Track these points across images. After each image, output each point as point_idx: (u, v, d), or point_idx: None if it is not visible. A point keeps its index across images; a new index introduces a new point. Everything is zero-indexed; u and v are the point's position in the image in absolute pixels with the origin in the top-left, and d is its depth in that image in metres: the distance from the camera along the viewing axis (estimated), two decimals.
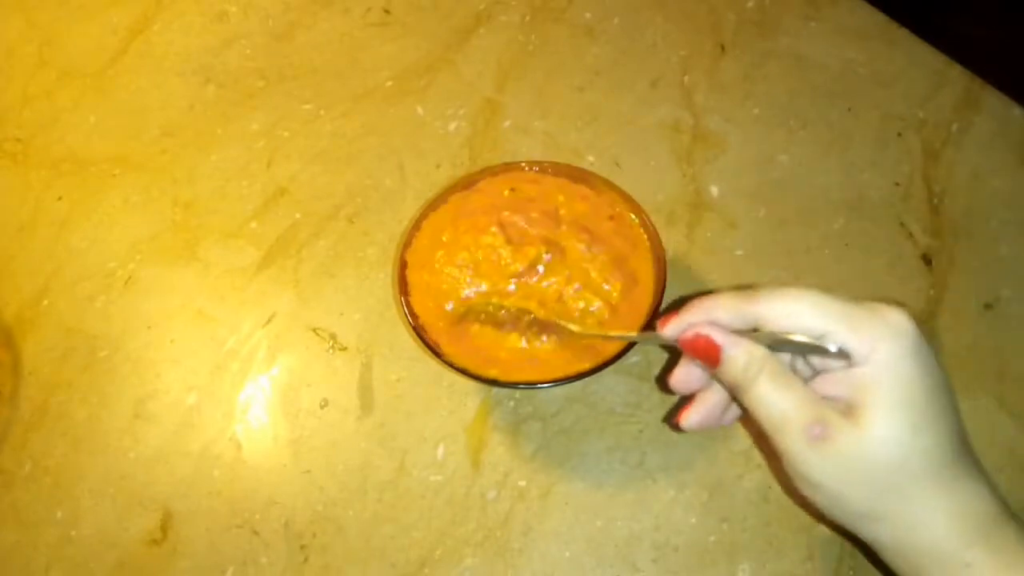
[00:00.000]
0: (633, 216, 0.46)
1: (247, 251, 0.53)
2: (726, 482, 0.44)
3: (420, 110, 0.59)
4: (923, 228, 0.51)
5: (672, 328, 0.33)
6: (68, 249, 0.55)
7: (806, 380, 0.32)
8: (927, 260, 0.50)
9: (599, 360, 0.41)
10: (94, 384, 0.49)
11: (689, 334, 0.32)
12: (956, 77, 0.57)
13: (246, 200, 0.56)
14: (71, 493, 0.46)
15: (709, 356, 0.32)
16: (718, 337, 0.32)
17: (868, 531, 0.31)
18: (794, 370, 0.33)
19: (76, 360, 0.50)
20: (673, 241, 0.51)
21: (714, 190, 0.54)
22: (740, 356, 0.31)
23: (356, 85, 0.60)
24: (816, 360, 0.32)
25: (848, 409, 0.30)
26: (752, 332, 0.32)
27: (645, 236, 0.45)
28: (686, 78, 0.59)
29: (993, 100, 0.56)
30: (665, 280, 0.43)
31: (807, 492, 0.31)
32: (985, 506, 0.30)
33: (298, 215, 0.55)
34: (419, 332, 0.42)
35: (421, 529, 0.44)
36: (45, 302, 0.52)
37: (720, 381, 0.34)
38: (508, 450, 0.45)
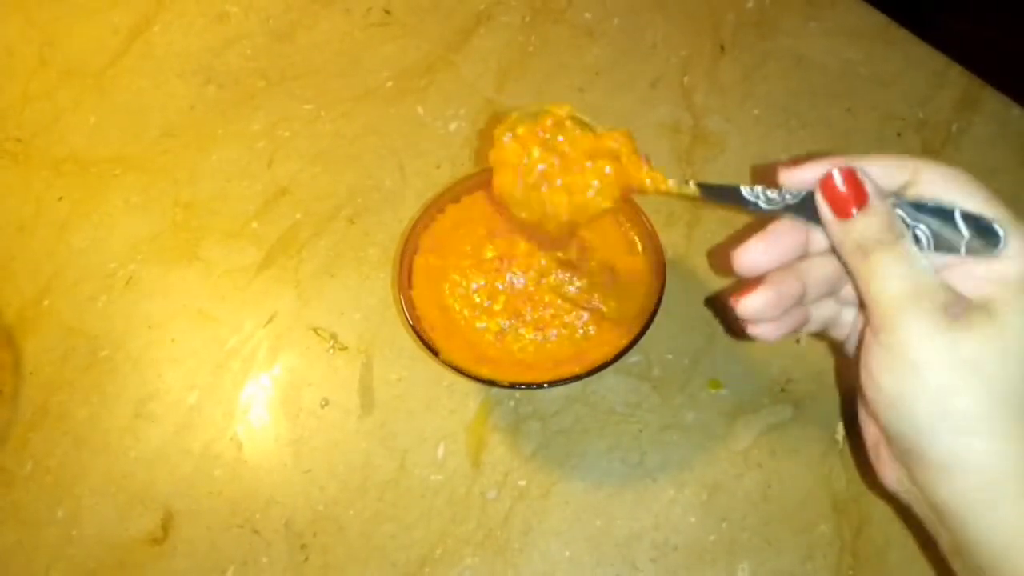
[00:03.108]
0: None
1: (248, 251, 0.54)
2: (726, 481, 0.44)
3: (420, 110, 0.59)
4: None
5: (809, 171, 0.29)
6: (69, 249, 0.55)
7: None
8: None
9: (592, 364, 0.41)
10: (95, 384, 0.50)
11: (833, 169, 0.28)
12: (955, 77, 0.57)
13: (247, 200, 0.56)
14: (72, 492, 0.46)
15: (857, 194, 0.27)
16: (868, 181, 0.27)
17: (933, 447, 0.27)
18: None
19: (77, 360, 0.50)
20: (672, 241, 0.51)
21: None
22: (886, 210, 0.27)
23: (357, 85, 0.60)
24: (935, 256, 0.28)
25: (980, 305, 0.27)
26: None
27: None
28: (686, 79, 0.59)
29: (992, 100, 0.56)
30: (664, 281, 0.43)
31: (897, 383, 0.27)
32: None
33: (299, 215, 0.55)
34: (417, 330, 0.42)
35: (421, 528, 0.44)
36: (46, 302, 0.53)
37: (837, 238, 0.29)
38: (508, 450, 0.46)
